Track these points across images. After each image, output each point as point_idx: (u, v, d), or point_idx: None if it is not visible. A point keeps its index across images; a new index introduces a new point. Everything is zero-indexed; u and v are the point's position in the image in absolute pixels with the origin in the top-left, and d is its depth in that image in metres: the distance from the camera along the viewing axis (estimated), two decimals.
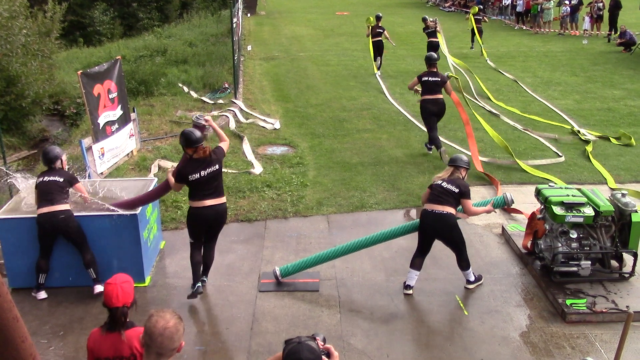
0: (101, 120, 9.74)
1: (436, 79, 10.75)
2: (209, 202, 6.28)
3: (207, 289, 6.86)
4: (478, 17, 21.70)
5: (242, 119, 13.61)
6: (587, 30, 25.37)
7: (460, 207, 6.67)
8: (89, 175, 9.13)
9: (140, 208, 6.82)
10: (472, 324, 6.21)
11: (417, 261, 6.81)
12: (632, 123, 12.98)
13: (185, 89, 16.11)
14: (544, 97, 15.32)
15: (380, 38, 18.35)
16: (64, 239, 6.64)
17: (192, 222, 6.42)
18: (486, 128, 11.39)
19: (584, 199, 6.73)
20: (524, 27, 28.12)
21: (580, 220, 6.59)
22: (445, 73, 11.67)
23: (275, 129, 13.09)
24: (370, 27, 18.45)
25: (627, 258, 6.90)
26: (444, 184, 6.65)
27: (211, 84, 16.70)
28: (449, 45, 19.38)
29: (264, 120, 13.62)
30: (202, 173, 6.20)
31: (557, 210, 6.59)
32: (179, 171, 6.28)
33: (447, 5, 38.63)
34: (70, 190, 6.79)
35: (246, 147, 11.61)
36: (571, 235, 6.67)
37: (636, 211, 6.66)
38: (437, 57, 11.36)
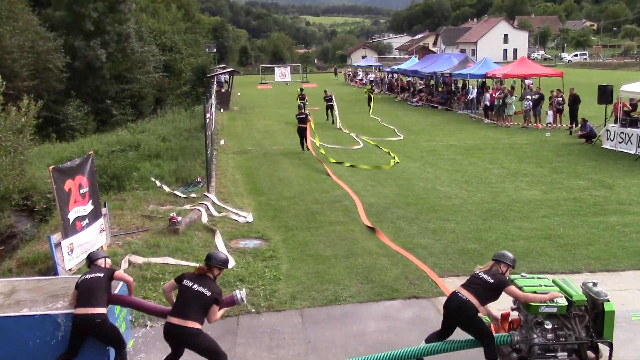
0: (71, 216, 9.65)
1: (302, 116, 21.87)
2: (174, 320, 6.16)
3: None
4: (371, 91, 37.72)
5: (214, 213, 13.60)
6: (550, 123, 26.40)
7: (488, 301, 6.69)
8: (56, 272, 8.93)
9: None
10: None
11: (431, 339, 6.87)
12: (598, 212, 13.29)
13: (158, 183, 16.15)
14: (512, 187, 15.72)
15: (303, 102, 28.87)
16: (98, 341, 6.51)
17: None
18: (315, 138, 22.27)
19: (556, 289, 6.75)
20: (487, 121, 29.12)
21: (554, 310, 6.57)
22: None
23: (248, 222, 13.09)
24: (298, 94, 32.47)
25: (603, 348, 6.86)
26: (481, 274, 6.78)
27: (184, 177, 16.78)
28: (419, 138, 21.75)
29: (237, 214, 13.63)
30: (194, 286, 6.24)
31: None
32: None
33: (414, 100, 40.06)
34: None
35: (218, 241, 11.54)
36: (546, 326, 6.63)
37: (608, 300, 6.69)
38: (303, 105, 24.75)
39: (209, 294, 6.13)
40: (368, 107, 35.10)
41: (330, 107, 30.34)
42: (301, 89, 33.97)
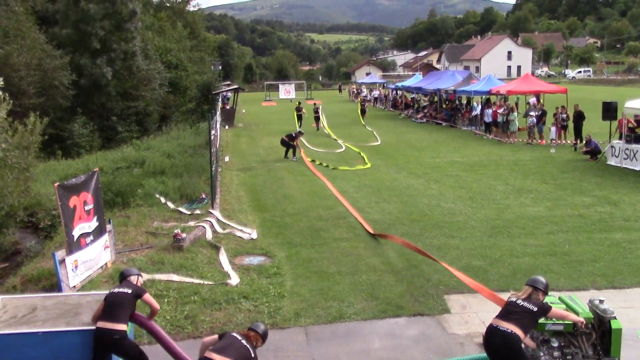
0: (76, 232, 9.66)
1: (291, 135, 24.61)
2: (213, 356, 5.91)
3: None
4: (363, 104, 42.88)
5: (218, 230, 13.60)
6: (554, 139, 26.38)
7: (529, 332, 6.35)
8: (60, 289, 8.92)
9: None
10: None
11: None
12: (603, 229, 13.23)
13: (162, 199, 16.16)
14: (516, 203, 15.66)
15: (300, 113, 35.92)
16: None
17: None
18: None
19: (562, 306, 6.70)
20: (488, 136, 29.12)
21: (561, 328, 6.52)
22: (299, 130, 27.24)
23: (252, 239, 13.07)
24: (295, 108, 36.97)
25: None
26: (520, 302, 6.37)
27: (188, 194, 16.79)
28: (423, 154, 21.76)
29: (241, 230, 13.62)
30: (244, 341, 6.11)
31: None
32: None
33: (418, 117, 40.13)
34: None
35: (223, 257, 11.52)
36: (552, 344, 6.57)
37: (615, 318, 6.63)
38: (297, 133, 25.43)
39: (252, 355, 5.96)
40: (361, 119, 39.75)
41: (317, 118, 35.75)
42: (299, 102, 40.23)
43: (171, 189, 17.14)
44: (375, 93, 59.83)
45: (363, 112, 41.10)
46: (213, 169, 16.52)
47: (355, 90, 69.54)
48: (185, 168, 20.07)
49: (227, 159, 24.05)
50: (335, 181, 19.22)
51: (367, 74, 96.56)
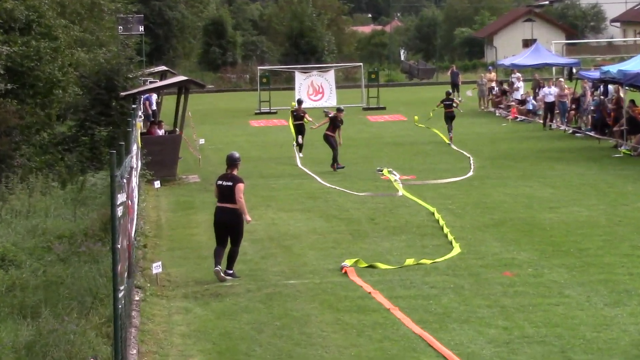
0: None
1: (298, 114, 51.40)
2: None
3: None
4: (448, 103, 58.97)
5: None
6: None
7: None
8: None
9: None
10: None
11: None
12: None
13: None
14: None
15: (301, 122, 52.73)
16: None
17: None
18: None
19: None
20: None
21: None
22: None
23: None
24: (292, 112, 54.63)
25: None
26: None
27: None
28: None
29: None
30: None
31: None
32: None
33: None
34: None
35: None
36: None
37: None
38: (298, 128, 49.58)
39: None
40: (448, 133, 57.59)
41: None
42: (299, 102, 58.22)
43: (9, 351, 17.27)
44: (549, 92, 59.78)
45: (451, 118, 58.15)
46: (121, 294, 16.64)
47: (494, 85, 69.81)
48: (48, 294, 20.22)
49: (157, 268, 24.16)
50: (443, 323, 19.09)
51: (527, 45, 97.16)
